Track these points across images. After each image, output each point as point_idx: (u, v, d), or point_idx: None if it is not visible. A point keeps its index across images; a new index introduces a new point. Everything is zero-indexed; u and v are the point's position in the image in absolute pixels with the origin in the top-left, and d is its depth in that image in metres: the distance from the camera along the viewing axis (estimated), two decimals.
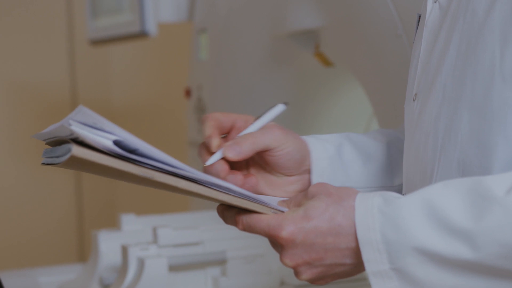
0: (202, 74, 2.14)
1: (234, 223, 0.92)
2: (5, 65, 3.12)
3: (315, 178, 1.02)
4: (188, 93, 2.24)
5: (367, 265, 0.85)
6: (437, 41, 0.95)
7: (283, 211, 0.90)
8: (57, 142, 0.84)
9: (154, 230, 1.49)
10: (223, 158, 0.96)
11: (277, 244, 0.89)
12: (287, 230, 0.87)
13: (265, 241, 1.52)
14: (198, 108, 2.16)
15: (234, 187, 0.89)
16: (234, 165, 0.99)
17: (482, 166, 0.87)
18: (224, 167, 0.96)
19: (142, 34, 2.25)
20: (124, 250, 1.47)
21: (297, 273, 0.89)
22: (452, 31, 0.92)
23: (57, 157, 0.82)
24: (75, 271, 1.73)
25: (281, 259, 0.89)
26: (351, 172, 1.05)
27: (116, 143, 0.81)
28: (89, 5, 2.48)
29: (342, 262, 0.87)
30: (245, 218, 0.90)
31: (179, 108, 2.89)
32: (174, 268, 1.47)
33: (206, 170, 0.96)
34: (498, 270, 0.81)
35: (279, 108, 1.00)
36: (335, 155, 1.04)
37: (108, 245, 1.61)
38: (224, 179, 0.95)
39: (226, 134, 1.00)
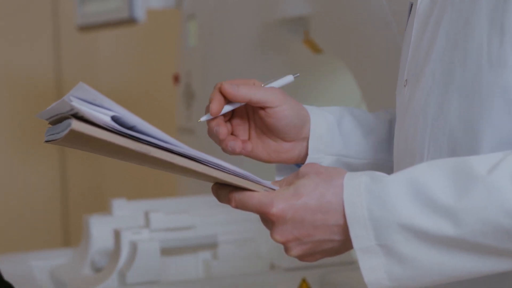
0: (191, 60, 2.15)
1: (227, 201, 0.94)
2: None
3: (312, 143, 1.05)
4: (176, 79, 2.25)
5: (354, 241, 0.87)
6: (427, 28, 0.97)
7: (274, 189, 0.92)
8: (59, 121, 0.85)
9: (146, 215, 1.51)
10: (228, 122, 1.00)
11: (268, 220, 0.91)
12: (278, 206, 0.89)
13: (255, 225, 1.55)
14: (187, 94, 2.18)
15: (228, 164, 0.92)
16: (235, 128, 1.03)
17: (470, 150, 0.90)
18: (223, 128, 1.00)
19: (130, 20, 2.26)
20: (117, 234, 1.48)
21: (286, 249, 0.92)
22: (441, 19, 0.94)
23: (58, 133, 0.84)
24: (66, 256, 1.74)
25: (271, 235, 0.91)
26: (349, 142, 1.08)
27: (114, 119, 0.83)
28: None
29: (331, 239, 0.89)
30: (237, 196, 0.92)
31: (166, 94, 2.90)
32: (166, 251, 1.49)
33: (209, 125, 0.99)
34: (479, 246, 0.84)
35: (288, 79, 1.03)
36: (334, 123, 1.07)
37: (99, 229, 1.62)
38: (222, 141, 0.99)
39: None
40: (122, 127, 0.83)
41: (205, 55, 2.07)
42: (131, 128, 0.84)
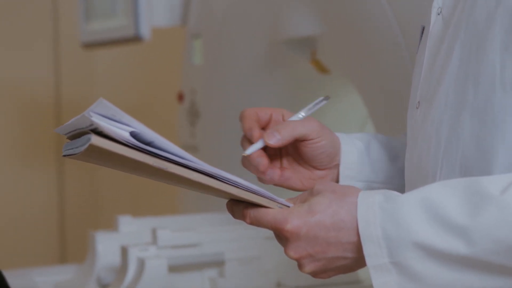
0: (196, 78, 2.16)
1: (242, 217, 0.95)
2: None
3: (344, 171, 1.07)
4: (181, 97, 2.26)
5: (367, 259, 0.88)
6: (440, 51, 0.99)
7: (288, 206, 0.93)
8: (77, 136, 0.87)
9: (154, 232, 1.52)
10: (264, 151, 1.01)
11: (282, 237, 0.92)
12: (292, 223, 0.90)
13: (262, 243, 1.56)
14: (191, 113, 2.19)
15: (244, 181, 0.93)
16: (268, 156, 1.04)
17: (483, 171, 0.91)
18: (265, 160, 1.01)
19: (136, 38, 2.27)
20: (124, 251, 1.49)
21: (300, 266, 0.93)
22: (454, 41, 0.96)
23: (77, 147, 0.86)
24: (70, 271, 1.74)
25: (285, 252, 0.92)
26: (378, 169, 1.10)
27: (133, 134, 0.84)
28: (82, 9, 2.49)
29: (344, 256, 0.90)
30: (252, 212, 0.93)
31: (168, 111, 2.91)
32: (173, 269, 1.49)
33: (246, 160, 1.01)
34: (491, 265, 0.85)
35: (320, 102, 1.04)
36: (363, 150, 1.09)
37: (105, 245, 1.63)
38: (263, 172, 1.01)
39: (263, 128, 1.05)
40: (141, 143, 0.85)
41: (210, 73, 2.08)
42: (149, 144, 0.86)
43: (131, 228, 1.66)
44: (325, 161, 1.05)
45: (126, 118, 0.84)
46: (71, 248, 3.26)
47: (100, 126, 0.82)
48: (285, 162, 1.07)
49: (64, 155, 0.89)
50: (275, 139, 1.00)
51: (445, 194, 0.87)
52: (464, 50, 0.94)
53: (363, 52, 1.50)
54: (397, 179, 1.10)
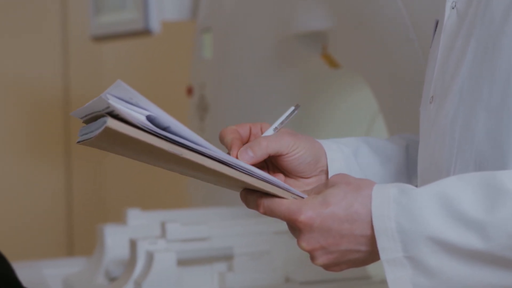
0: (205, 72, 2.16)
1: (256, 206, 0.95)
2: None
3: None
4: (190, 91, 2.26)
5: (381, 252, 0.88)
6: (455, 45, 0.98)
7: (303, 197, 0.92)
8: (93, 119, 0.86)
9: (163, 225, 1.51)
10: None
11: (295, 228, 0.92)
12: (306, 214, 0.89)
13: (271, 238, 1.55)
14: (200, 107, 2.18)
15: (258, 170, 0.92)
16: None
17: (498, 166, 0.90)
18: None
19: (145, 32, 2.27)
20: (133, 244, 1.49)
21: (312, 258, 0.92)
22: (469, 36, 0.95)
23: (92, 131, 0.85)
24: (79, 264, 1.74)
25: (298, 243, 0.92)
26: (368, 173, 1.08)
27: (149, 119, 0.83)
28: (92, 2, 2.49)
29: (357, 249, 0.90)
30: (266, 202, 0.93)
31: (177, 106, 2.90)
32: (181, 262, 1.49)
33: None
34: (507, 260, 0.84)
35: (290, 110, 1.04)
36: (351, 156, 1.08)
37: (114, 239, 1.63)
38: None
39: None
40: (157, 127, 0.84)
41: (220, 67, 2.08)
42: (165, 128, 0.85)
43: (140, 222, 1.66)
44: (307, 170, 1.03)
45: (143, 101, 0.84)
46: (78, 241, 3.27)
47: (117, 109, 0.82)
48: (272, 174, 1.05)
49: (79, 142, 0.88)
50: (247, 157, 0.98)
51: (460, 188, 0.86)
52: (479, 45, 0.93)
53: (374, 46, 1.49)
54: (390, 182, 1.08)
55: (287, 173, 1.04)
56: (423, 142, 1.02)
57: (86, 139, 0.86)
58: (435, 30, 1.06)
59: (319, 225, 0.89)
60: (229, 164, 0.89)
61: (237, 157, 0.98)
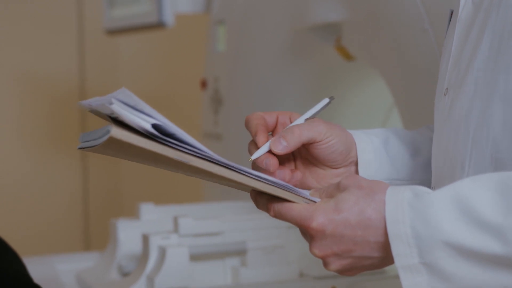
0: (219, 65, 2.14)
1: (266, 209, 0.93)
2: (15, 55, 3.13)
3: (362, 170, 1.03)
4: (204, 84, 2.25)
5: (396, 259, 0.85)
6: (470, 36, 0.95)
7: (314, 201, 0.90)
8: (98, 113, 0.84)
9: (175, 220, 1.50)
10: (271, 153, 0.97)
11: (307, 234, 0.90)
12: (318, 221, 0.88)
13: (284, 232, 1.54)
14: (215, 100, 2.17)
15: (267, 176, 0.90)
16: (280, 159, 1.00)
17: None
18: (274, 161, 0.97)
19: (159, 25, 2.26)
20: (145, 239, 1.48)
21: (325, 264, 0.90)
22: (484, 26, 0.93)
23: (95, 139, 0.83)
24: (92, 259, 1.74)
25: (310, 249, 0.90)
26: (398, 165, 1.06)
27: (155, 126, 0.82)
28: None
29: (370, 255, 0.88)
30: (277, 206, 0.91)
31: (191, 99, 2.90)
32: (194, 257, 1.48)
33: (255, 164, 0.98)
34: None
35: (324, 102, 1.02)
36: (381, 147, 1.06)
37: (127, 233, 1.62)
38: (273, 174, 0.96)
39: (271, 132, 1.02)
40: (162, 135, 0.83)
41: (234, 60, 2.06)
42: (170, 135, 0.83)
43: (153, 216, 1.65)
44: (338, 160, 1.02)
45: (148, 109, 0.82)
46: (95, 236, 3.27)
47: (121, 116, 0.80)
48: (299, 163, 1.04)
49: (80, 148, 0.87)
50: (281, 146, 0.96)
51: (476, 191, 0.84)
52: (495, 36, 0.91)
53: (388, 38, 1.47)
54: (420, 175, 1.07)
55: (316, 163, 1.02)
56: (437, 135, 1.00)
57: (89, 147, 0.85)
58: (450, 21, 1.04)
59: (331, 232, 0.88)
60: (237, 170, 0.88)
61: (272, 149, 0.96)
